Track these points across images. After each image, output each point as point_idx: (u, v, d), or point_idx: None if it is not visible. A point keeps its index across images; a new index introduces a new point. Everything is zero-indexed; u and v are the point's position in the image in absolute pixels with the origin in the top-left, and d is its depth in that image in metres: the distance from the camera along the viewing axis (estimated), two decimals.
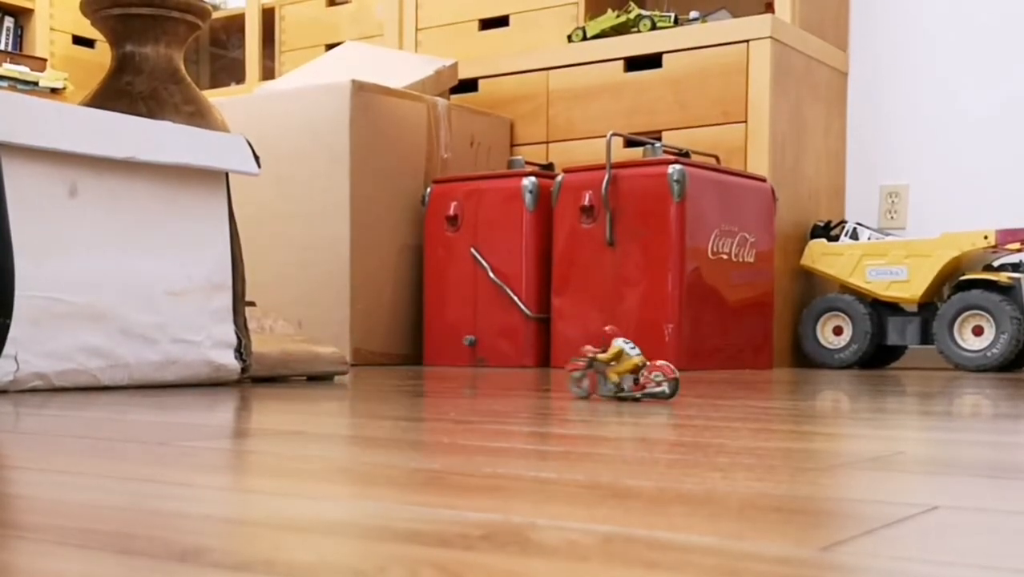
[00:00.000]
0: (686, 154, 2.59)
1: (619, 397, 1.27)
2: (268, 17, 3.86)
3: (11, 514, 0.48)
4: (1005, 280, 2.48)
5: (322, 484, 0.58)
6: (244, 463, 0.68)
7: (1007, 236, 2.51)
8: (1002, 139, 2.90)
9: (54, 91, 3.91)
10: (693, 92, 2.76)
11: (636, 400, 1.27)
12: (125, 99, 1.66)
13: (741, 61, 2.70)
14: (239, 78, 4.14)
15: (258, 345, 1.70)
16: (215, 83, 4.49)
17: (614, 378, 1.27)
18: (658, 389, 1.26)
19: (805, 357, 2.83)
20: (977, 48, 2.93)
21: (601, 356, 1.28)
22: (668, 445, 0.79)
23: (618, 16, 2.90)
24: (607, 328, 1.30)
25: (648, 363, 1.27)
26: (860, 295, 2.69)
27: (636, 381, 1.27)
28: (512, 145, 3.05)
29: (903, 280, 2.62)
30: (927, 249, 2.59)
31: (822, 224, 2.81)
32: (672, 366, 1.25)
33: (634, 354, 1.26)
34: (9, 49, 4.03)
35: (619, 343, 1.27)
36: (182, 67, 1.73)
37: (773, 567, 0.37)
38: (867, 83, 3.06)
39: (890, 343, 2.68)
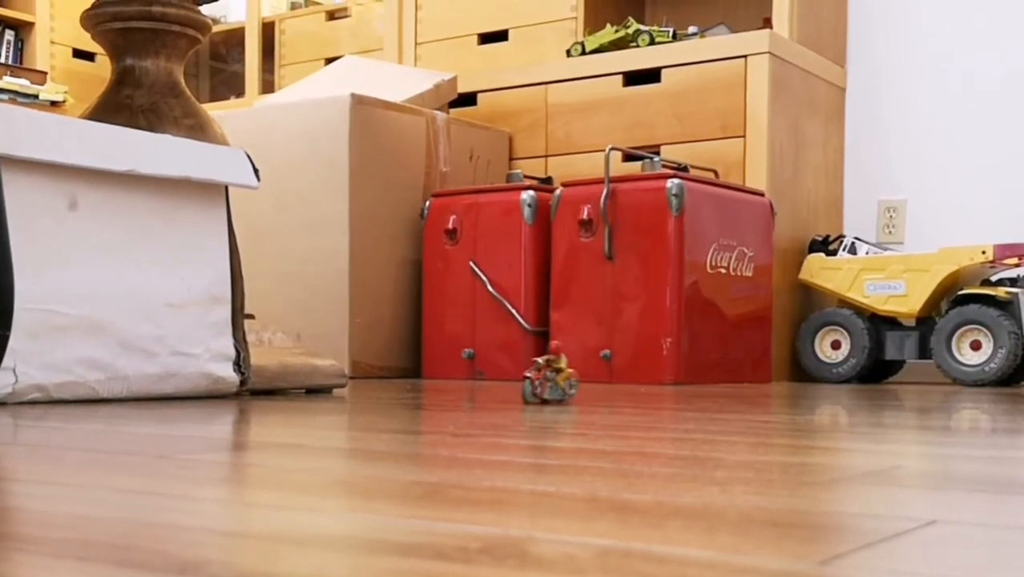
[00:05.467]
0: (684, 168, 2.60)
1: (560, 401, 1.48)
2: (268, 31, 3.87)
3: (10, 526, 0.48)
4: (1003, 295, 2.48)
5: (321, 497, 0.58)
6: (243, 476, 0.68)
7: (1005, 251, 2.52)
8: (1000, 154, 2.90)
9: (54, 104, 3.92)
10: (692, 107, 2.77)
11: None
12: (125, 112, 1.66)
13: (739, 76, 2.71)
14: (239, 91, 4.15)
15: (257, 358, 1.70)
16: (215, 96, 4.50)
17: (561, 384, 1.48)
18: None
19: (803, 371, 2.83)
20: (976, 62, 2.94)
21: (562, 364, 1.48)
22: (666, 459, 0.79)
23: (617, 31, 2.91)
24: (554, 342, 1.49)
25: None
26: (858, 309, 2.69)
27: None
28: (511, 159, 3.05)
29: (901, 295, 2.62)
30: (925, 264, 2.59)
31: (820, 238, 2.81)
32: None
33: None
34: (9, 62, 4.04)
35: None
36: (182, 80, 1.74)
37: None
38: (865, 98, 3.07)
39: (888, 357, 2.68)
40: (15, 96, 3.81)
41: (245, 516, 0.52)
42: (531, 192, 2.60)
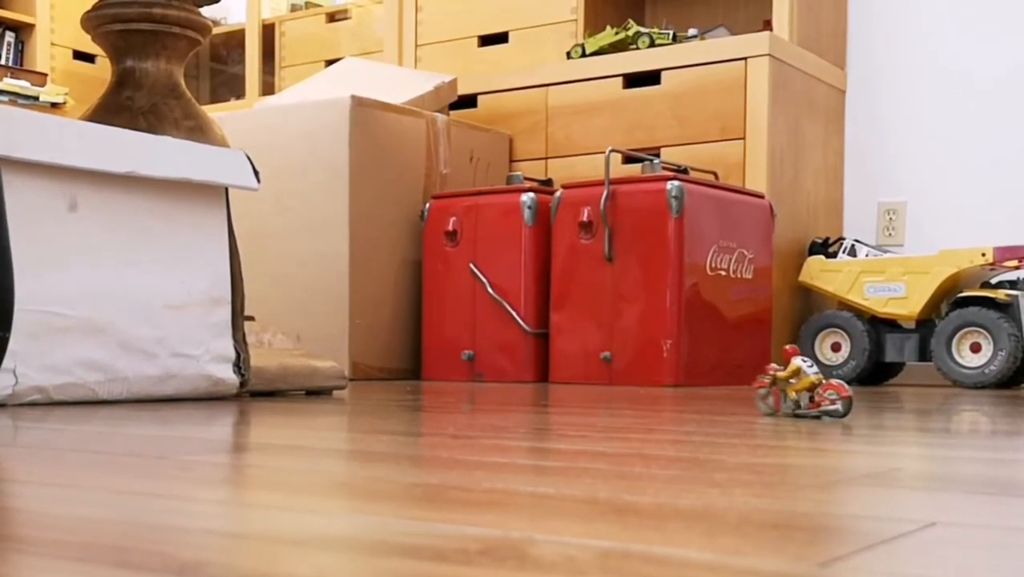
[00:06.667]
0: (684, 170, 2.60)
1: (797, 415, 1.29)
2: (268, 33, 3.87)
3: (10, 528, 0.48)
4: (1003, 297, 2.48)
5: (320, 498, 0.58)
6: (242, 477, 0.68)
7: (1005, 253, 2.52)
8: (1001, 156, 2.90)
9: (54, 106, 3.92)
10: (692, 109, 2.77)
11: (815, 418, 1.28)
12: (125, 114, 1.66)
13: (739, 78, 2.71)
14: (239, 93, 4.15)
15: (257, 359, 1.70)
16: (215, 98, 4.50)
17: (792, 395, 1.29)
18: (832, 407, 1.27)
19: None
20: (976, 63, 2.94)
21: (781, 374, 1.30)
22: (666, 461, 0.79)
23: (617, 33, 2.91)
24: (788, 347, 1.31)
25: (823, 381, 1.28)
26: (858, 312, 2.69)
27: (811, 399, 1.28)
28: (511, 161, 3.05)
29: (901, 297, 2.62)
30: (925, 266, 2.59)
31: (820, 241, 2.81)
32: (845, 384, 1.27)
33: (811, 372, 1.28)
34: (10, 64, 4.04)
35: (797, 361, 1.28)
36: (182, 82, 1.74)
37: None
38: (865, 100, 3.07)
39: (888, 360, 2.68)
40: (15, 98, 3.81)
41: (245, 517, 0.52)
42: (531, 194, 2.60)
